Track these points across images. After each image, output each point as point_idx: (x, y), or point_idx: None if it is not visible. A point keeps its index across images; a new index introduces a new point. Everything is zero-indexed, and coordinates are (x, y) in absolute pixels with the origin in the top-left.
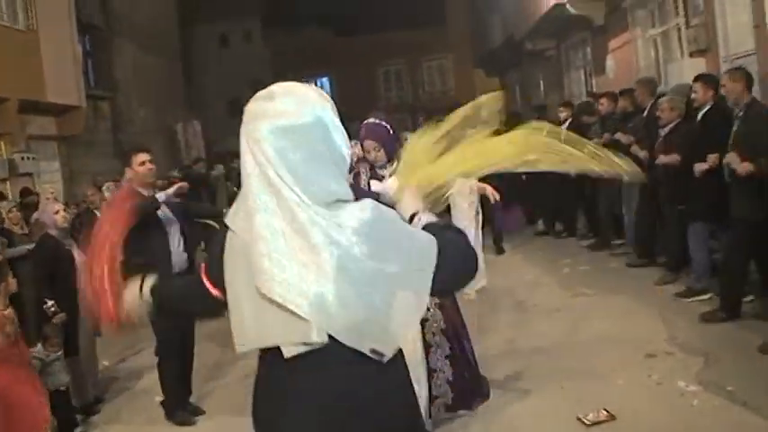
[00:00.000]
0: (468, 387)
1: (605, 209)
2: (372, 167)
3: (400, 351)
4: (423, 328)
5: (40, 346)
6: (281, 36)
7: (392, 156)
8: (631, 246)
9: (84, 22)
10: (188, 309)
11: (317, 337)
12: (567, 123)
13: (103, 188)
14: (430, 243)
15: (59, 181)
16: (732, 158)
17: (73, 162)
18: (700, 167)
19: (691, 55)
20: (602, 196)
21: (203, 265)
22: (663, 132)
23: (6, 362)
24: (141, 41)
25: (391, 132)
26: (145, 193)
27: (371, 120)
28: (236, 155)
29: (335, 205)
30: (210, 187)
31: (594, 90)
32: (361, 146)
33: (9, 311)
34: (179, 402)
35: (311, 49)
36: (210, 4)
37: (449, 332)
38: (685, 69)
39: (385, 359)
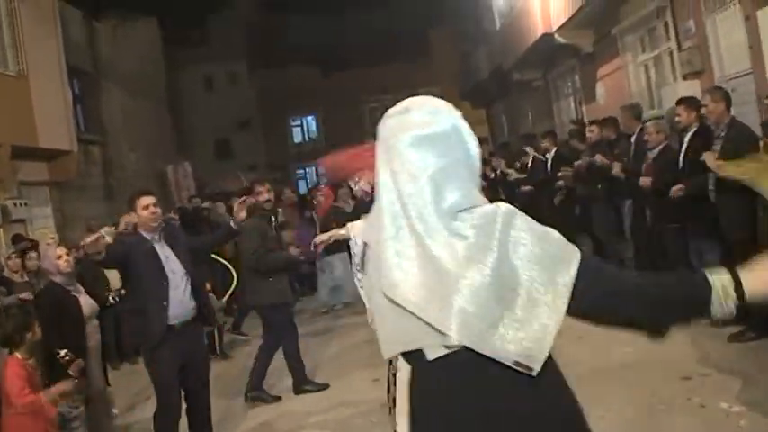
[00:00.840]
0: None
1: (601, 229)
2: None
3: (553, 366)
4: None
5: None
6: (266, 76)
7: None
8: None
9: (73, 67)
10: None
11: (456, 341)
12: (552, 152)
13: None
14: (569, 252)
15: (52, 227)
16: (708, 157)
17: (65, 207)
18: (675, 191)
19: (685, 78)
20: (596, 216)
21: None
22: (651, 155)
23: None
24: (129, 86)
25: None
26: (148, 237)
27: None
28: (228, 195)
29: (468, 212)
30: (212, 224)
31: (585, 117)
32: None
33: (30, 364)
34: None
35: (297, 88)
36: (195, 48)
37: None
38: (680, 92)
39: (534, 372)
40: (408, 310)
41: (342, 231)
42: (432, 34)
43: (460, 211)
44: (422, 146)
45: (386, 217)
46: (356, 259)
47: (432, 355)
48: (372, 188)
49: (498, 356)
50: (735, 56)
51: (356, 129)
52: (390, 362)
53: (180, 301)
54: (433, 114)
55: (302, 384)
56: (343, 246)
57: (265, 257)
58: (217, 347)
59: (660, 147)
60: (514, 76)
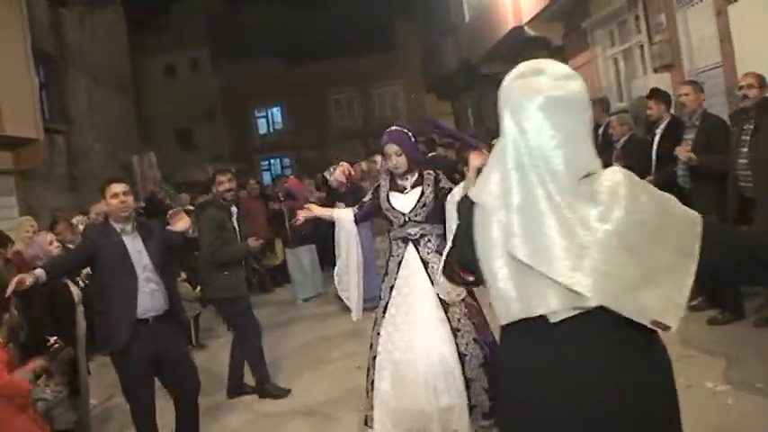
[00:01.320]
0: None
1: None
2: (393, 179)
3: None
4: (455, 338)
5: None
6: (230, 66)
7: (413, 165)
8: None
9: (39, 53)
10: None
11: (585, 302)
12: None
13: (74, 222)
14: (690, 214)
15: (17, 217)
16: (680, 151)
17: (30, 197)
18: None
19: (655, 71)
20: None
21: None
22: (618, 146)
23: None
24: (95, 73)
25: (413, 140)
26: (118, 228)
27: (394, 127)
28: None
29: (592, 176)
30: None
31: None
32: (382, 153)
33: (10, 347)
34: None
35: (262, 79)
36: (158, 35)
37: (480, 339)
38: (650, 85)
39: (672, 329)
40: (538, 271)
41: (328, 212)
42: (398, 27)
43: (586, 175)
44: (554, 108)
45: (512, 178)
46: (455, 222)
47: (555, 318)
48: (348, 177)
49: (636, 315)
50: (705, 50)
51: (322, 120)
52: (371, 346)
53: (151, 295)
54: (566, 78)
55: (264, 383)
56: (310, 238)
57: (221, 250)
58: (193, 338)
59: (625, 138)
60: (482, 70)
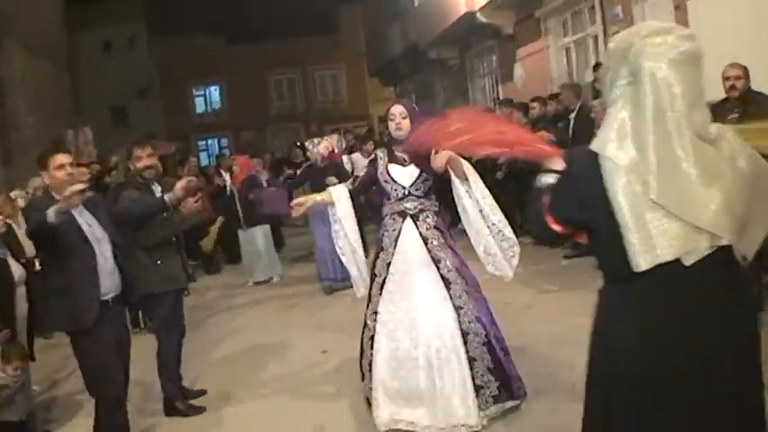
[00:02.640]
0: (510, 375)
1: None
2: (392, 150)
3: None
4: (458, 316)
5: None
6: (168, 43)
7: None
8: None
9: None
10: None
11: (719, 242)
12: None
13: (13, 195)
14: None
15: None
16: None
17: None
18: None
19: None
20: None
21: (546, 204)
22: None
23: None
24: (28, 44)
25: (416, 108)
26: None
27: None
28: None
29: (712, 127)
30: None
31: (501, 97)
32: (386, 115)
33: None
34: None
35: (200, 57)
36: (93, 10)
37: (481, 317)
38: None
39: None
40: (679, 215)
41: (318, 197)
42: (342, 11)
43: (706, 127)
44: (688, 63)
45: (648, 129)
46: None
47: (689, 260)
48: (331, 152)
49: (748, 253)
50: None
51: (261, 101)
52: (365, 324)
53: (109, 273)
54: (690, 38)
55: (174, 401)
56: (265, 218)
57: (146, 231)
58: (141, 320)
59: None
60: (430, 55)
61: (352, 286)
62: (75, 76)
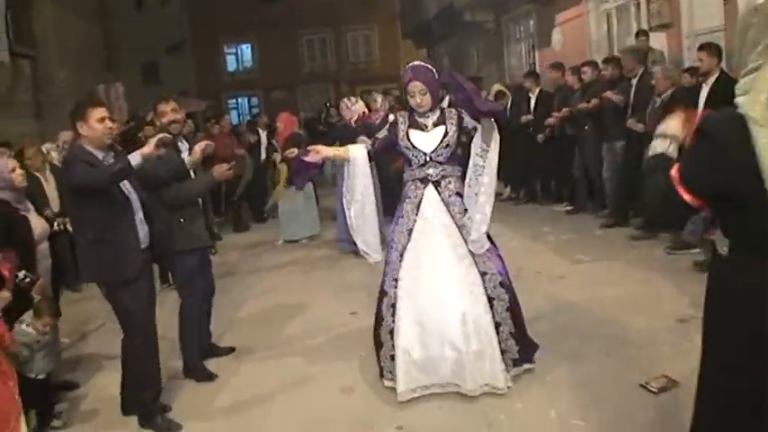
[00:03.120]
0: (527, 338)
1: (581, 173)
2: (412, 115)
3: None
4: (483, 282)
5: (23, 326)
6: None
7: (436, 103)
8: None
9: None
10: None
11: None
12: (536, 93)
13: (45, 149)
14: None
15: None
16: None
17: None
18: None
19: (651, 29)
20: (578, 161)
21: (677, 169)
22: (658, 101)
23: None
24: None
25: (437, 77)
26: (100, 156)
27: (417, 62)
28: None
29: None
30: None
31: (537, 63)
32: (405, 89)
33: None
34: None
35: (233, 14)
36: None
37: (505, 282)
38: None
39: None
40: None
41: (335, 150)
42: None
43: None
44: None
45: None
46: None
47: None
48: (361, 116)
49: None
50: (707, 11)
51: (293, 61)
52: (384, 292)
53: (141, 225)
54: None
55: (190, 363)
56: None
57: (173, 188)
58: (170, 276)
59: (669, 92)
60: (465, 17)
61: None
62: (106, 32)
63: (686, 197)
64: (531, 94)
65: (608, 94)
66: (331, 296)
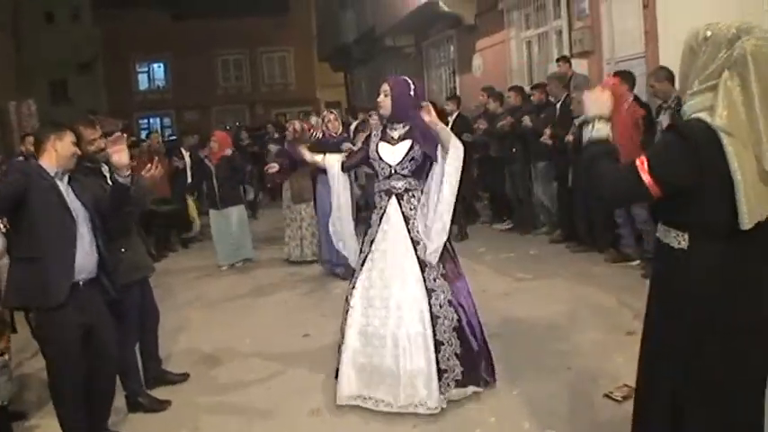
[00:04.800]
0: (477, 361)
1: (512, 193)
2: (385, 129)
3: None
4: (429, 299)
5: None
6: (113, 16)
7: (398, 112)
8: (547, 226)
9: None
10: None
11: None
12: (454, 115)
13: None
14: None
15: None
16: None
17: None
18: None
19: (572, 56)
20: (508, 181)
21: (643, 162)
22: (577, 122)
23: None
24: None
25: (410, 90)
26: (51, 171)
27: (401, 76)
28: None
29: None
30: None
31: (458, 87)
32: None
33: None
34: None
35: (146, 32)
36: None
37: (455, 303)
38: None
39: None
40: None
41: (318, 158)
42: None
43: None
44: None
45: (760, 117)
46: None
47: None
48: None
49: None
50: (627, 39)
51: (207, 81)
52: (346, 298)
53: (85, 251)
54: None
55: (136, 396)
56: (240, 198)
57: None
58: None
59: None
60: (386, 42)
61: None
62: (17, 47)
63: (652, 187)
64: (449, 117)
65: (525, 118)
66: (282, 319)
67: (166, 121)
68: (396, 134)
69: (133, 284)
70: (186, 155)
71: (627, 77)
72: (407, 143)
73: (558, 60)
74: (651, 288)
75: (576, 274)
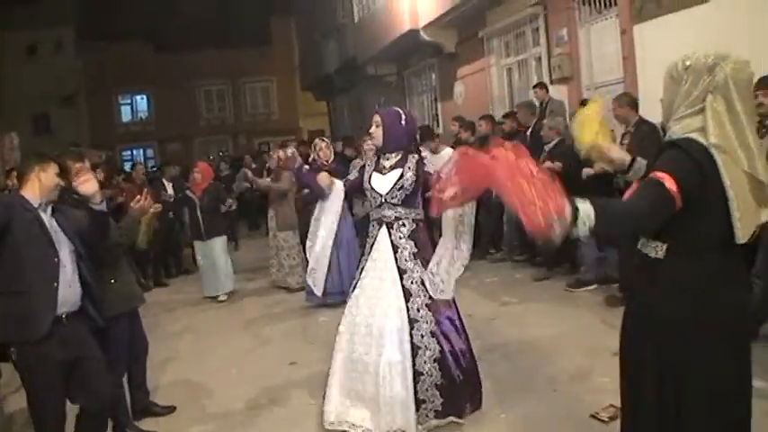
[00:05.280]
0: (460, 392)
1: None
2: (379, 158)
3: None
4: (411, 329)
5: None
6: (96, 48)
7: (389, 143)
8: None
9: None
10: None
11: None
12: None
13: None
14: None
15: None
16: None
17: None
18: (587, 171)
19: (552, 82)
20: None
21: (667, 176)
22: (547, 148)
23: None
24: None
25: (403, 120)
26: (35, 203)
27: (393, 107)
28: None
29: None
30: None
31: (440, 115)
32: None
33: None
34: None
35: (129, 64)
36: (19, 10)
37: (438, 333)
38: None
39: None
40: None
41: (329, 179)
42: (275, 23)
43: None
44: (749, 77)
45: (747, 129)
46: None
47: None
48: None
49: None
50: (606, 65)
51: (189, 112)
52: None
53: (67, 283)
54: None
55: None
56: (224, 228)
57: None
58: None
59: (554, 141)
60: (367, 71)
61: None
62: None
63: (677, 196)
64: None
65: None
66: (268, 347)
67: (149, 152)
68: (388, 164)
69: (122, 315)
70: (168, 185)
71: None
72: (397, 172)
73: (534, 87)
74: (628, 301)
75: (559, 297)
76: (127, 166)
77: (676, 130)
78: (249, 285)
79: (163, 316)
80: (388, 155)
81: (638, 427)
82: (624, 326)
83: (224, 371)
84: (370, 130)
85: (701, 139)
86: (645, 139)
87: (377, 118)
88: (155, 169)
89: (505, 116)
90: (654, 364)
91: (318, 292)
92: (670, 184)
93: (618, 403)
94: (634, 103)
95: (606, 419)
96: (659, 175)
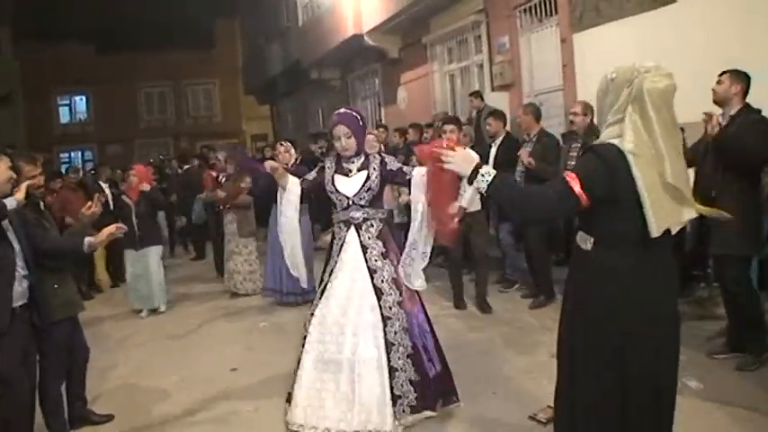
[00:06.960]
0: (433, 387)
1: None
2: (339, 161)
3: None
4: (384, 326)
5: None
6: (34, 47)
7: (361, 148)
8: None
9: None
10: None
11: (689, 216)
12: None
13: None
14: None
15: None
16: (523, 153)
17: None
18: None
19: (494, 89)
20: None
21: (574, 176)
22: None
23: None
24: None
25: (361, 123)
26: None
27: (344, 109)
28: None
29: None
30: None
31: (384, 119)
32: (331, 133)
33: None
34: None
35: (68, 65)
36: None
37: (412, 330)
38: (489, 102)
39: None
40: (680, 196)
41: (286, 175)
42: (218, 25)
43: None
44: (670, 88)
45: (659, 136)
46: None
47: (675, 230)
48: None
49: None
50: (546, 73)
51: (130, 114)
52: (304, 326)
53: (18, 279)
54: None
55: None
56: (159, 238)
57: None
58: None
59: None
60: (311, 75)
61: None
62: None
63: (581, 196)
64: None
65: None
66: (209, 354)
67: (88, 154)
68: (353, 167)
69: (65, 320)
70: (105, 187)
71: (499, 116)
72: (363, 174)
73: (470, 95)
74: (565, 288)
75: (501, 299)
76: (64, 170)
77: (603, 136)
78: (194, 290)
79: (102, 325)
80: (353, 158)
81: (573, 400)
82: (562, 310)
83: (165, 378)
84: (342, 144)
85: (618, 144)
86: (547, 151)
87: (344, 129)
88: (93, 172)
89: (428, 126)
90: (582, 338)
91: (304, 284)
92: (574, 183)
93: None
94: (538, 115)
95: (544, 421)
96: (569, 175)
